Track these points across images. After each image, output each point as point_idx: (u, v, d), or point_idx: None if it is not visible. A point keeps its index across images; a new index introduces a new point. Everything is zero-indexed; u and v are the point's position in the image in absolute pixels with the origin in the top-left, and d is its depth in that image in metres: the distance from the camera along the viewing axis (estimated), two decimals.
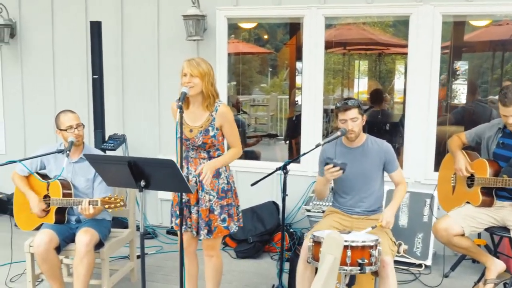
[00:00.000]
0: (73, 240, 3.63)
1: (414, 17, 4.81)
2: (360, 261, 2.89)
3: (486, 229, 3.72)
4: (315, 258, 3.01)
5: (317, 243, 3.01)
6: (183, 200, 3.30)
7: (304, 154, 3.60)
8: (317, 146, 3.42)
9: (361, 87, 10.42)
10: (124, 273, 4.08)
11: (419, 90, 4.86)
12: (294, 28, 7.84)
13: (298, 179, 5.06)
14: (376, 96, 7.03)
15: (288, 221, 5.19)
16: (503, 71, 7.30)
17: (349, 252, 2.89)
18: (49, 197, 3.69)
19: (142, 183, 2.84)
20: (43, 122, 5.93)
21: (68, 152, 3.55)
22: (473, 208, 3.70)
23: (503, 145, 3.69)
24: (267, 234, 4.93)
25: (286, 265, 4.11)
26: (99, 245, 3.66)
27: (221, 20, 5.34)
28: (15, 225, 3.96)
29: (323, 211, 4.46)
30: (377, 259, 2.97)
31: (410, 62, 4.90)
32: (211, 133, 3.26)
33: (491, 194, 3.68)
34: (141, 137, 5.71)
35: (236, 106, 8.22)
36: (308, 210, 4.70)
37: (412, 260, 4.52)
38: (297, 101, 8.03)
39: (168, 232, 5.45)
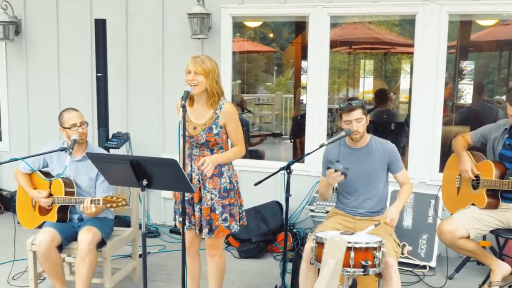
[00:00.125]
0: (75, 239, 3.62)
1: (421, 16, 4.77)
2: (363, 262, 2.85)
3: (491, 231, 3.69)
4: (318, 259, 2.98)
5: (320, 244, 2.98)
6: (187, 198, 3.29)
7: (308, 154, 3.57)
8: (321, 146, 3.39)
9: (367, 86, 10.38)
10: (126, 272, 4.07)
11: (425, 90, 4.82)
12: (299, 27, 7.82)
13: (302, 179, 5.03)
14: (381, 96, 6.99)
15: (292, 221, 5.17)
16: (510, 71, 7.25)
17: (352, 254, 2.86)
18: (52, 195, 3.67)
19: (144, 182, 2.82)
20: (47, 119, 5.93)
21: (70, 150, 3.54)
22: (478, 210, 3.66)
23: (509, 146, 3.65)
24: (270, 234, 4.90)
25: (289, 266, 4.09)
26: (101, 243, 3.65)
27: (226, 19, 5.31)
28: (18, 223, 3.95)
29: (327, 211, 4.43)
30: (381, 261, 2.94)
31: (416, 62, 4.86)
32: (215, 131, 3.24)
33: (496, 196, 3.65)
34: (145, 136, 5.70)
35: (240, 105, 8.19)
36: (312, 210, 4.67)
37: (417, 262, 4.48)
38: (302, 100, 8.00)
39: (171, 231, 5.44)
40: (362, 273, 2.88)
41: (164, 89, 5.62)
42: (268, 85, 12.03)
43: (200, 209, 3.30)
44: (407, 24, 7.74)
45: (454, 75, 6.83)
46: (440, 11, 4.70)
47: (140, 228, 3.27)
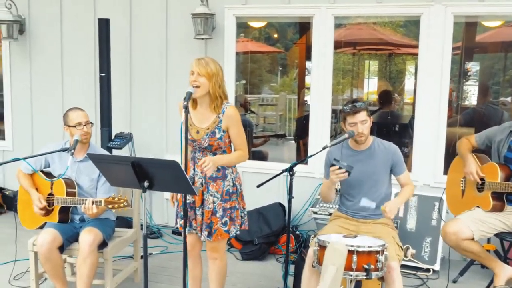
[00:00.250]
0: (76, 240, 3.61)
1: (425, 17, 4.74)
2: (366, 266, 2.83)
3: (495, 235, 3.66)
4: (320, 262, 2.96)
5: (322, 247, 2.95)
6: (188, 201, 3.27)
7: (311, 156, 3.55)
8: (324, 148, 3.37)
9: (371, 87, 10.33)
10: (127, 273, 4.05)
11: (429, 91, 4.79)
12: (304, 27, 7.78)
13: (305, 180, 5.01)
14: (385, 97, 6.96)
15: (295, 223, 5.15)
16: None
17: (354, 257, 2.83)
18: (53, 195, 3.66)
19: (146, 183, 2.81)
20: (50, 119, 5.93)
21: (72, 151, 3.53)
22: (483, 212, 3.63)
23: None
24: (273, 235, 4.88)
25: (292, 268, 4.07)
26: (102, 244, 3.64)
27: (230, 19, 5.30)
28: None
29: (330, 214, 4.41)
30: (384, 264, 2.91)
31: (421, 63, 4.83)
32: (218, 135, 3.21)
33: (502, 199, 3.61)
34: (148, 136, 5.69)
35: (244, 106, 8.16)
36: (315, 212, 4.65)
37: (420, 265, 4.45)
38: (306, 101, 7.97)
39: (174, 232, 5.42)
40: (365, 277, 2.86)
41: (167, 90, 5.60)
42: (272, 86, 12.00)
43: (202, 213, 3.28)
44: (412, 25, 7.69)
45: (459, 76, 6.78)
46: (445, 12, 4.67)
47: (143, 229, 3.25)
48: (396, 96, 8.57)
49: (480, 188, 3.72)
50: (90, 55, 5.78)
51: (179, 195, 3.37)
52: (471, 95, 8.01)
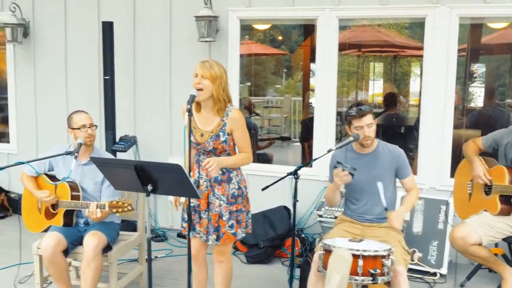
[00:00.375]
0: (81, 243, 3.60)
1: (430, 19, 4.71)
2: (372, 271, 2.80)
3: (504, 239, 3.62)
4: (325, 266, 2.93)
5: (328, 252, 2.93)
6: (193, 205, 3.25)
7: (316, 159, 3.53)
8: (328, 151, 3.35)
9: (376, 89, 10.30)
10: (132, 277, 4.04)
11: (435, 93, 4.76)
12: (308, 29, 7.76)
13: (310, 183, 4.97)
14: (391, 100, 6.92)
15: (300, 226, 5.12)
16: None
17: (360, 262, 2.80)
18: (57, 199, 3.65)
19: (149, 187, 2.79)
20: (55, 121, 5.93)
21: (76, 154, 3.52)
22: (491, 216, 3.60)
23: None
24: (278, 239, 4.85)
25: (297, 272, 4.04)
26: (107, 248, 3.63)
27: (234, 21, 5.28)
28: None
29: (335, 217, 4.38)
30: (390, 269, 2.88)
31: (426, 65, 4.80)
32: (222, 138, 3.20)
33: (509, 202, 3.58)
34: (152, 139, 5.68)
35: (248, 108, 8.15)
36: (320, 216, 4.62)
37: (427, 269, 4.41)
38: (311, 103, 7.95)
39: (179, 235, 5.40)
40: (371, 282, 2.82)
41: (171, 92, 5.59)
42: (277, 88, 11.99)
43: (208, 216, 3.26)
44: (417, 27, 7.66)
45: (464, 78, 6.75)
46: (450, 13, 4.64)
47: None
48: (401, 98, 8.54)
49: (488, 191, 3.68)
50: (94, 57, 5.78)
51: (183, 199, 3.35)
52: (477, 97, 7.97)
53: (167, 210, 5.68)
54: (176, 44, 5.54)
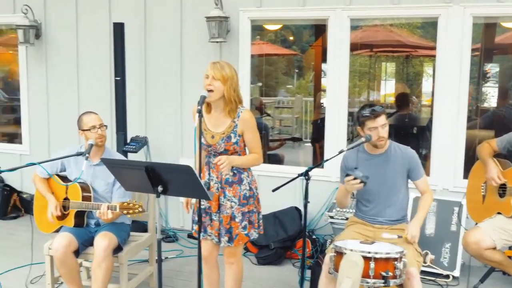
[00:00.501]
0: (92, 244, 3.60)
1: (443, 18, 4.66)
2: (384, 273, 2.77)
3: None
4: (337, 269, 2.90)
5: (339, 254, 2.90)
6: (204, 207, 3.24)
7: (327, 160, 3.50)
8: (340, 152, 3.32)
9: (388, 89, 10.24)
10: (143, 277, 4.04)
11: (448, 93, 4.71)
12: (320, 29, 7.73)
13: (321, 184, 4.94)
14: (403, 100, 6.86)
15: (311, 227, 5.09)
16: None
17: (372, 264, 2.78)
18: (69, 200, 3.66)
19: (160, 188, 2.78)
20: (66, 122, 5.95)
21: (87, 155, 3.52)
22: (505, 219, 3.55)
23: None
24: (289, 240, 4.83)
25: (308, 273, 4.02)
26: (117, 249, 3.63)
27: (245, 22, 5.26)
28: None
29: (347, 218, 4.34)
30: (402, 271, 2.85)
31: (439, 65, 4.75)
32: (233, 140, 3.19)
33: None
34: (163, 140, 5.68)
35: (259, 109, 8.13)
36: (331, 217, 4.59)
37: (439, 271, 4.36)
38: (323, 103, 7.92)
39: (189, 236, 5.39)
40: (383, 285, 2.79)
41: (182, 93, 5.59)
42: (288, 88, 11.97)
43: (219, 218, 3.25)
44: (429, 27, 7.59)
45: (478, 78, 6.67)
46: (463, 13, 4.59)
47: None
48: (413, 98, 8.47)
49: (502, 193, 3.63)
50: (106, 58, 5.80)
51: (194, 201, 3.34)
52: (491, 97, 7.89)
53: (178, 210, 5.68)
54: (187, 45, 5.54)
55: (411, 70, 9.96)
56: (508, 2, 4.48)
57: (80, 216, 3.68)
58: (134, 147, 5.26)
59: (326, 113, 5.19)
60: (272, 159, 7.03)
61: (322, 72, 8.70)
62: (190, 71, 5.52)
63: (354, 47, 5.38)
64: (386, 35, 7.74)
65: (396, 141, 3.51)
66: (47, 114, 6.23)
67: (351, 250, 2.85)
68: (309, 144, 8.39)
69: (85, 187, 3.66)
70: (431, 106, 5.08)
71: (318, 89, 8.70)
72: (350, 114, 5.64)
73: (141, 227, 4.76)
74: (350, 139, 6.16)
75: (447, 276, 4.35)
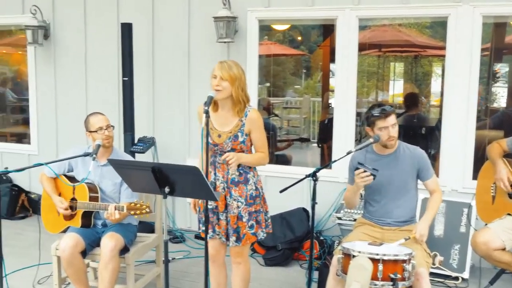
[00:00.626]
0: (99, 244, 3.59)
1: (453, 18, 4.62)
2: (392, 276, 2.74)
3: None
4: (345, 270, 2.88)
5: (347, 256, 2.88)
6: (211, 207, 3.23)
7: (335, 161, 3.47)
8: (348, 153, 3.29)
9: (396, 89, 10.20)
10: (150, 278, 4.03)
11: (457, 93, 4.67)
12: (328, 29, 7.71)
13: (329, 185, 4.92)
14: (411, 100, 6.82)
15: (318, 228, 5.06)
16: None
17: (380, 266, 2.75)
18: (76, 200, 3.66)
19: (167, 189, 2.77)
20: (75, 122, 5.94)
21: (94, 155, 3.52)
22: None
23: None
24: (296, 241, 4.80)
25: (316, 274, 3.99)
26: (124, 250, 3.62)
27: (252, 22, 5.25)
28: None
29: (355, 219, 4.31)
30: (411, 273, 2.82)
31: (448, 65, 4.71)
32: (240, 139, 3.17)
33: None
34: (170, 140, 5.68)
35: (267, 109, 8.11)
36: (339, 218, 4.56)
37: (448, 272, 4.32)
38: (331, 103, 7.89)
39: (197, 237, 5.39)
40: (392, 287, 2.76)
41: (190, 93, 5.59)
42: (296, 88, 11.96)
43: (226, 218, 3.24)
44: (438, 26, 7.56)
45: (487, 78, 6.62)
46: (473, 12, 4.55)
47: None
48: (422, 98, 8.43)
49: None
50: (114, 59, 5.80)
51: (200, 201, 3.33)
52: (500, 97, 7.84)
53: (185, 211, 5.67)
54: (195, 45, 5.53)
55: (419, 70, 9.92)
56: None
57: (87, 216, 3.67)
58: (141, 147, 5.26)
59: (334, 113, 5.16)
60: (279, 159, 7.00)
61: (330, 72, 8.68)
62: (198, 71, 5.51)
63: (362, 47, 5.36)
64: (395, 35, 7.71)
65: (404, 141, 3.48)
66: (55, 114, 6.24)
67: (359, 251, 2.83)
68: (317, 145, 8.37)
69: (92, 188, 3.66)
70: (440, 106, 5.06)
71: (326, 89, 8.68)
72: (358, 114, 5.61)
73: (148, 227, 4.75)
74: (358, 140, 6.14)
75: (456, 278, 4.31)
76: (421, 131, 6.30)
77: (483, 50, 4.75)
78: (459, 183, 4.71)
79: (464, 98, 4.65)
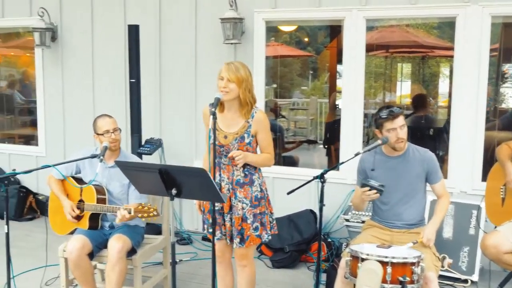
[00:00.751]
0: (106, 246, 3.59)
1: (461, 18, 4.59)
2: (401, 278, 2.72)
3: None
4: (353, 273, 2.86)
5: (355, 258, 2.85)
6: (217, 208, 3.22)
7: (343, 163, 3.45)
8: (356, 155, 3.27)
9: (404, 90, 10.16)
10: (157, 280, 4.02)
11: (466, 94, 4.63)
12: (335, 30, 7.69)
13: (337, 187, 4.90)
14: (419, 101, 6.78)
15: (326, 230, 5.04)
16: None
17: (389, 269, 2.72)
18: (83, 202, 3.66)
19: (174, 191, 2.76)
20: (82, 124, 5.97)
21: (102, 157, 3.51)
22: None
23: None
24: (304, 243, 4.78)
25: (323, 277, 3.97)
26: (131, 251, 3.61)
27: (259, 23, 5.24)
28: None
29: (363, 221, 4.29)
30: (420, 276, 2.79)
31: (457, 66, 4.67)
32: (247, 140, 3.16)
33: None
34: (177, 142, 5.68)
35: (274, 110, 8.10)
36: (347, 220, 4.54)
37: (457, 275, 4.28)
38: (338, 104, 7.86)
39: (204, 239, 5.38)
40: None
41: (197, 95, 5.58)
42: (303, 89, 11.94)
43: (231, 219, 3.22)
44: (446, 27, 7.51)
45: (496, 78, 6.57)
46: (482, 12, 4.51)
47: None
48: (430, 99, 8.38)
49: None
50: (120, 60, 5.81)
51: (205, 202, 3.33)
52: (509, 97, 7.78)
53: (192, 213, 5.67)
54: (202, 47, 5.52)
55: (427, 71, 9.87)
56: None
57: (94, 218, 3.67)
58: (148, 149, 5.26)
59: (341, 114, 5.14)
60: (287, 161, 6.98)
61: (337, 74, 8.65)
62: (205, 72, 5.51)
63: (369, 48, 5.34)
64: (402, 35, 7.68)
65: (412, 142, 3.45)
66: (63, 116, 6.26)
67: (368, 254, 2.80)
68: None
69: (100, 190, 3.66)
70: (448, 107, 5.02)
71: (333, 91, 8.65)
72: (366, 115, 5.58)
73: (155, 229, 4.75)
74: (366, 141, 6.11)
75: (466, 281, 4.27)
76: (429, 132, 6.26)
77: (491, 50, 4.70)
78: (468, 184, 4.67)
79: (473, 98, 4.61)
